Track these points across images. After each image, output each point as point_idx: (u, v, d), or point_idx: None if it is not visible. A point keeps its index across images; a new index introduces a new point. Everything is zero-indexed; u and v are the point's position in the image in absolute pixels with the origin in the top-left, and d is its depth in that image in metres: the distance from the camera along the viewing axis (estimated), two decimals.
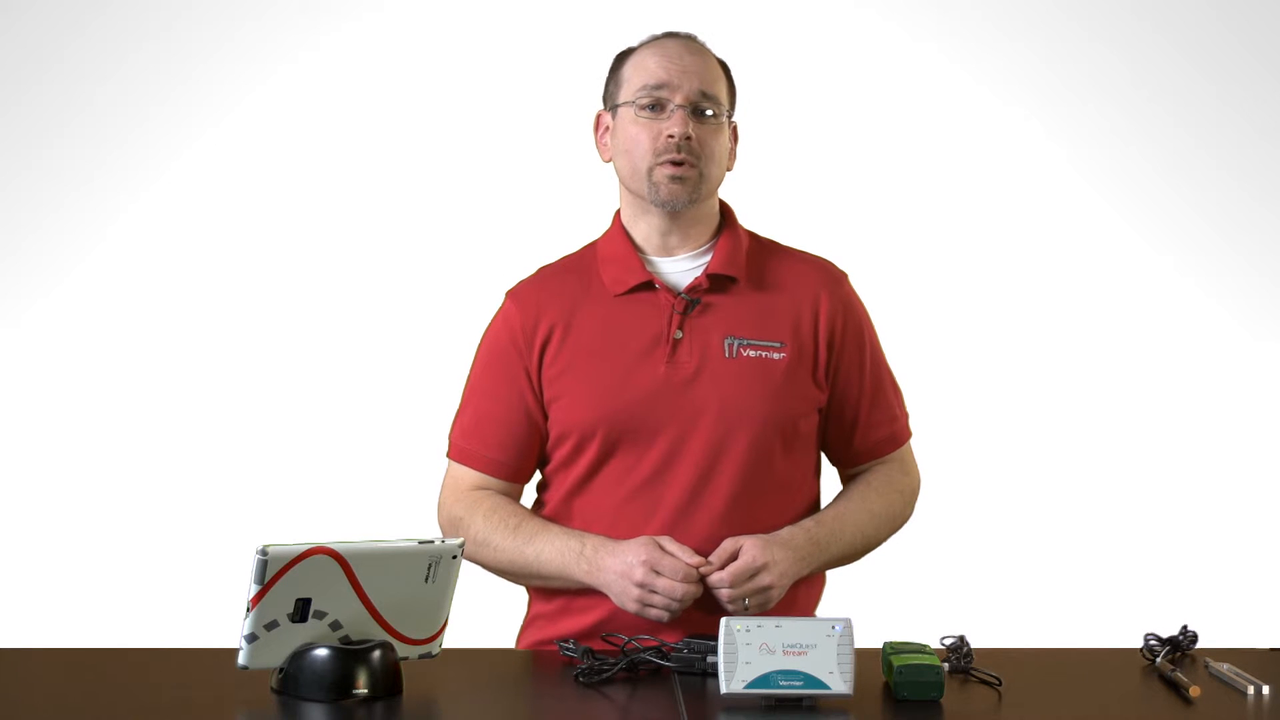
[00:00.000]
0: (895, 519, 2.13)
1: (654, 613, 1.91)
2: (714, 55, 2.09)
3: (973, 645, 1.85)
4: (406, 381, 3.58)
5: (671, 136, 1.99)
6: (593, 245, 2.14)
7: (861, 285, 2.16)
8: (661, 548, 1.91)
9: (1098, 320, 3.68)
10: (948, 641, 1.86)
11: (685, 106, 2.00)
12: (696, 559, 1.91)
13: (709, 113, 2.02)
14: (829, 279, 2.10)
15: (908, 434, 2.17)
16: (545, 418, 2.06)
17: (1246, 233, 3.70)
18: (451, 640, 1.83)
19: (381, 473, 3.50)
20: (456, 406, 2.14)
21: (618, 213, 2.13)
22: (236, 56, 3.62)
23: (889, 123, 3.67)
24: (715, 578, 1.91)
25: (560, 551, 1.98)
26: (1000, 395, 3.59)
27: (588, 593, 1.99)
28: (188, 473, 3.56)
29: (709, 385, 1.99)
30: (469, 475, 2.09)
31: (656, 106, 2.01)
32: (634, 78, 2.05)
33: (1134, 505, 3.60)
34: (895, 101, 3.68)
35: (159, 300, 3.61)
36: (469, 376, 2.14)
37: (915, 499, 2.18)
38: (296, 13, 3.63)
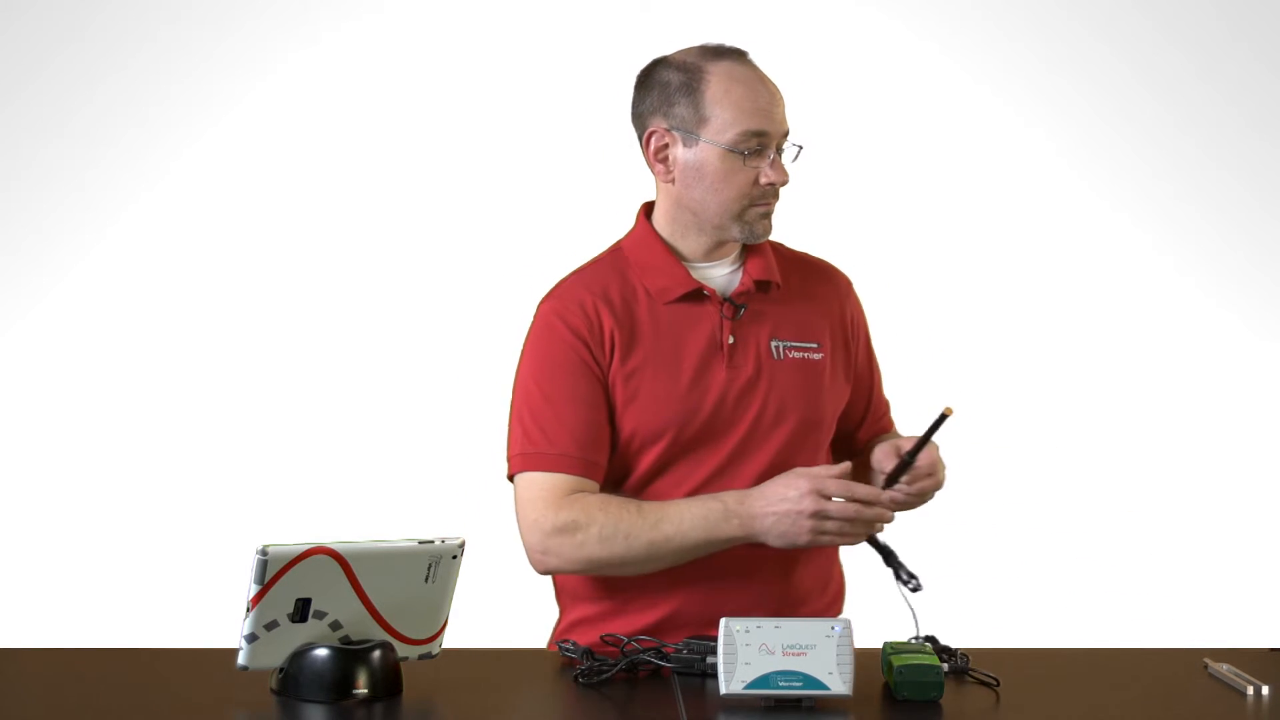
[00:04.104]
0: None
1: (827, 540, 1.93)
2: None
3: (970, 646, 1.86)
4: (407, 381, 3.58)
5: (772, 184, 2.00)
6: (618, 249, 2.11)
7: (860, 285, 2.20)
8: (812, 474, 1.92)
9: (1097, 320, 3.68)
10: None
11: (780, 151, 2.02)
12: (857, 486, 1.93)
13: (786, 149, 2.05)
14: (842, 283, 2.17)
15: (891, 422, 2.25)
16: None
17: (1246, 233, 3.70)
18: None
19: (382, 473, 3.51)
20: (509, 421, 2.04)
21: (642, 215, 2.11)
22: (236, 57, 3.62)
23: (888, 122, 3.67)
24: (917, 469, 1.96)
25: (703, 516, 1.94)
26: (1000, 396, 3.59)
27: (652, 589, 1.99)
28: (188, 473, 3.56)
29: (767, 386, 2.03)
30: (562, 483, 1.98)
31: (758, 150, 2.00)
32: (726, 116, 1.98)
33: (1133, 505, 3.60)
34: (895, 101, 3.68)
35: (159, 300, 3.61)
36: (526, 387, 2.03)
37: None
38: (297, 13, 3.63)
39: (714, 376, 2.02)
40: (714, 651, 1.72)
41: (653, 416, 2.01)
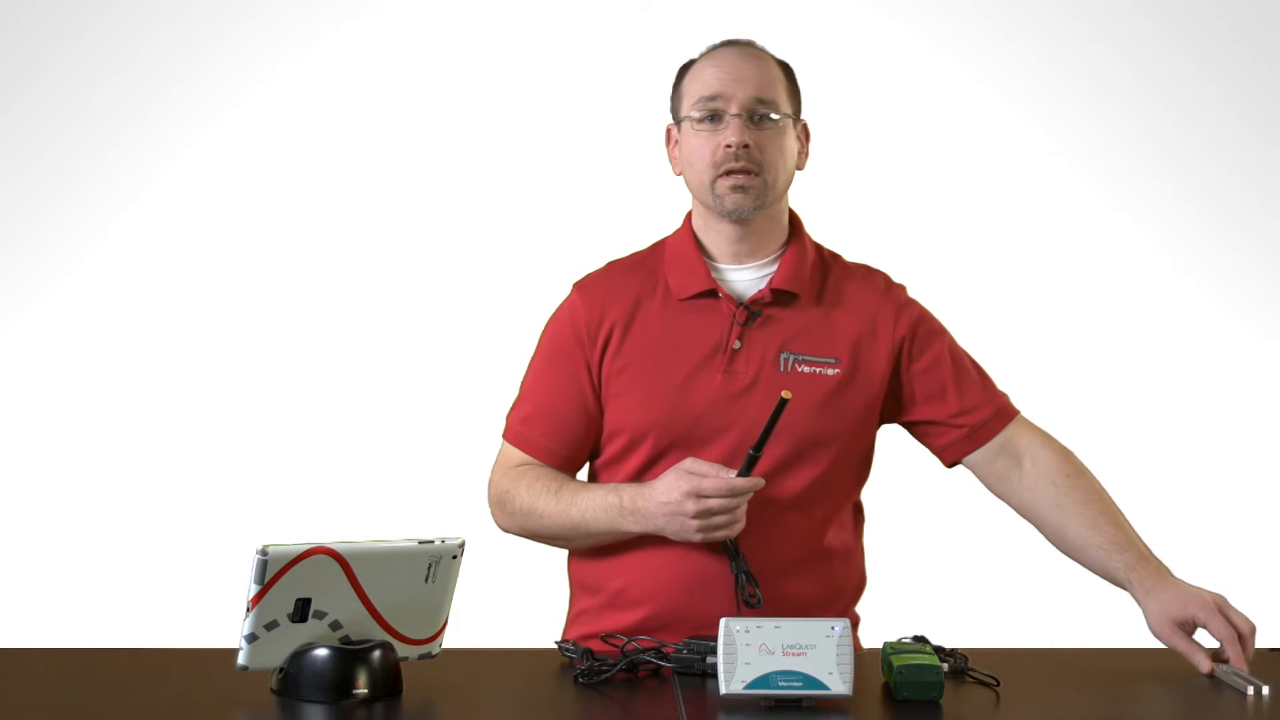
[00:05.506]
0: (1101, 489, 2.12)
1: (720, 534, 1.91)
2: (772, 58, 2.09)
3: (970, 646, 1.86)
4: (407, 381, 3.58)
5: (729, 146, 2.00)
6: (662, 244, 2.14)
7: None
8: (694, 472, 1.90)
9: (1097, 320, 3.68)
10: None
11: (741, 115, 2.00)
12: (729, 471, 1.90)
13: (771, 117, 2.02)
14: (885, 294, 2.11)
15: (1015, 410, 2.15)
16: (602, 412, 2.07)
17: (1246, 232, 3.70)
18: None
19: (382, 473, 3.51)
20: (518, 388, 2.14)
21: (689, 214, 2.13)
22: (236, 57, 3.62)
23: (888, 122, 3.67)
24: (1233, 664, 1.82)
25: (603, 509, 1.98)
26: None
27: (636, 587, 2.01)
28: (188, 473, 3.56)
29: (763, 398, 1.99)
30: (519, 456, 2.10)
31: (714, 117, 2.02)
32: (691, 90, 2.06)
33: (1133, 505, 3.59)
34: (894, 101, 3.68)
35: (159, 300, 3.61)
36: (531, 363, 2.14)
37: (1079, 460, 2.14)
38: (297, 13, 3.63)
39: (708, 380, 2.01)
40: (714, 651, 1.72)
41: (638, 412, 2.02)
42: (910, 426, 2.13)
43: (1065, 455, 2.12)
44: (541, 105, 3.64)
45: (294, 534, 1.67)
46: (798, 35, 3.60)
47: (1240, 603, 1.90)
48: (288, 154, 3.63)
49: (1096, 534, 2.03)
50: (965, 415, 2.09)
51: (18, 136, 3.60)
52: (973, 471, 2.13)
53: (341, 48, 3.65)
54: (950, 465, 2.14)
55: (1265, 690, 1.72)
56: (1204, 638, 1.87)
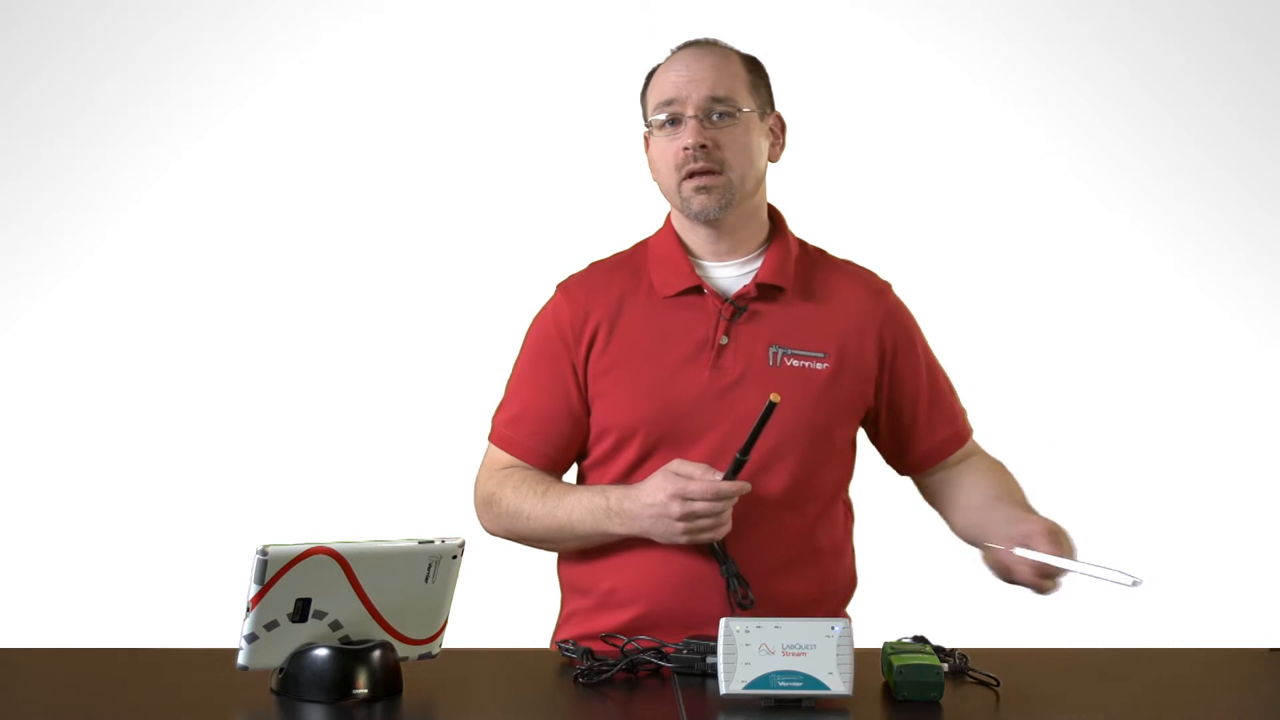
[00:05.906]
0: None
1: (706, 537, 1.91)
2: (735, 54, 2.08)
3: (970, 646, 1.86)
4: (406, 381, 3.58)
5: (686, 149, 2.00)
6: (645, 243, 2.14)
7: None
8: (680, 474, 1.90)
9: (1097, 320, 3.68)
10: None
11: (697, 116, 2.00)
12: (716, 473, 1.89)
13: (730, 114, 2.02)
14: (874, 292, 2.12)
15: (970, 430, 2.18)
16: (588, 412, 2.07)
17: (1246, 232, 3.70)
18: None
19: (382, 473, 3.51)
20: (503, 390, 2.15)
21: (670, 214, 2.14)
22: (236, 57, 3.63)
23: (888, 123, 3.67)
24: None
25: (589, 511, 1.99)
26: (998, 397, 3.57)
27: (626, 587, 2.00)
28: (188, 473, 3.56)
29: (751, 392, 1.99)
30: (505, 458, 2.10)
31: (674, 121, 2.02)
32: (652, 96, 2.07)
33: (1133, 505, 3.60)
34: (895, 101, 3.68)
35: (159, 300, 3.61)
36: (515, 364, 2.14)
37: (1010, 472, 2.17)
38: (297, 13, 3.63)
39: (695, 376, 2.01)
40: (714, 651, 1.72)
41: (625, 409, 2.02)
42: (874, 429, 2.14)
43: (999, 464, 2.17)
44: (541, 106, 3.64)
45: (294, 534, 1.67)
46: (797, 36, 3.61)
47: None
48: (287, 154, 3.63)
49: (1015, 492, 2.08)
50: (921, 432, 2.12)
51: (18, 136, 3.60)
52: (915, 481, 2.19)
53: (341, 48, 3.65)
54: (902, 475, 2.18)
55: (1139, 580, 1.71)
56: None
